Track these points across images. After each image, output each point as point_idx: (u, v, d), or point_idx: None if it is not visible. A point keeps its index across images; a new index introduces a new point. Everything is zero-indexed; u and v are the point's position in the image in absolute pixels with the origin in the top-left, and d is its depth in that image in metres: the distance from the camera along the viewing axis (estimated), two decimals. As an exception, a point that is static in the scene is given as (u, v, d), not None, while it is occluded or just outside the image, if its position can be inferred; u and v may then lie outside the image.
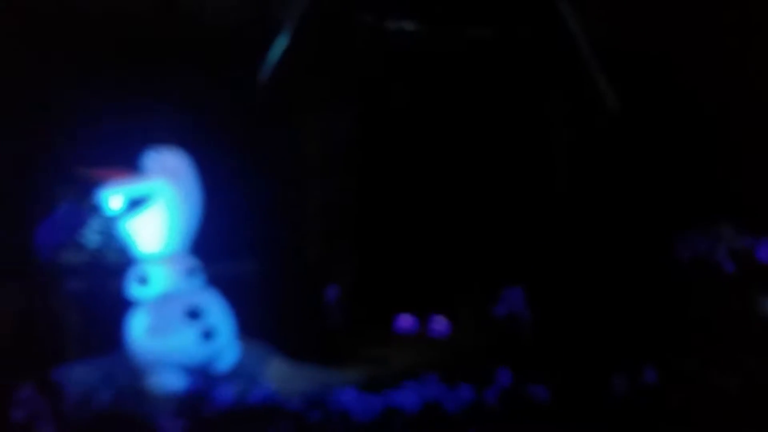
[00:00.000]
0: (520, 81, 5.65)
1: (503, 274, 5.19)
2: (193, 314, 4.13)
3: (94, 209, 4.83)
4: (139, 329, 4.14)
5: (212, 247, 4.45)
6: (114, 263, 4.93)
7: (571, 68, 5.53)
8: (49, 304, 4.91)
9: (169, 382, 4.06)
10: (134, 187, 4.22)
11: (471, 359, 4.40)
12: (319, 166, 5.57)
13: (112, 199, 4.26)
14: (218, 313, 4.24)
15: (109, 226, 4.96)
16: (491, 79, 5.70)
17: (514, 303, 4.97)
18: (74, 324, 4.83)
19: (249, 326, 4.50)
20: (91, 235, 5.00)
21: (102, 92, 5.12)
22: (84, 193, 4.99)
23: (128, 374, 4.15)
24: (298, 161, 5.55)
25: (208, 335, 4.12)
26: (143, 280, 4.21)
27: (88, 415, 3.60)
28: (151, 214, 4.21)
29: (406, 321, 5.17)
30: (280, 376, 4.27)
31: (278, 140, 5.56)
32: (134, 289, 4.24)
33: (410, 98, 5.80)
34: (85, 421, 3.57)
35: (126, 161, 4.60)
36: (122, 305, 4.54)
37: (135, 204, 4.22)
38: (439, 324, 5.09)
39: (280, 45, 5.70)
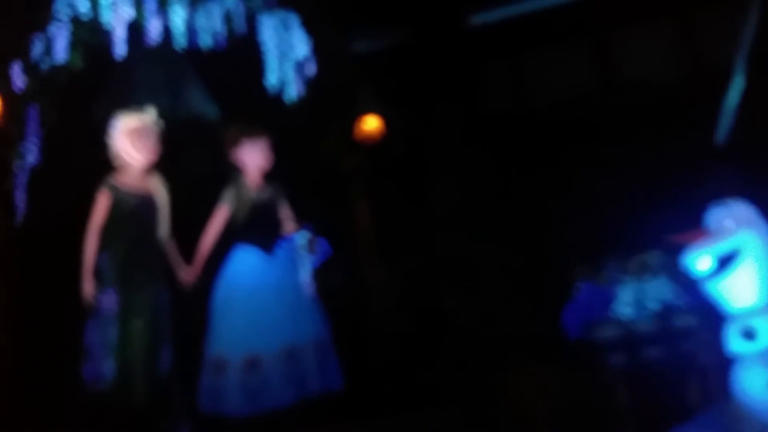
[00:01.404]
0: None
1: None
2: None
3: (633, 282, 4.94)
4: (757, 384, 4.04)
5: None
6: (649, 332, 4.99)
7: None
8: (595, 381, 5.01)
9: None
10: (720, 244, 4.19)
11: None
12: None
13: (701, 260, 4.24)
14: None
15: (641, 296, 5.06)
16: None
17: None
18: (630, 397, 4.87)
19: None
20: (622, 308, 5.07)
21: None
22: (606, 269, 5.15)
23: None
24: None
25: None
26: (750, 335, 4.12)
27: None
28: (742, 267, 4.15)
29: None
30: None
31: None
32: (739, 345, 4.16)
33: None
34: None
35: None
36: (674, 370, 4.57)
37: (724, 261, 4.18)
38: None
39: (736, 89, 5.60)
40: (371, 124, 5.69)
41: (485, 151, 5.75)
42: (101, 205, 4.92)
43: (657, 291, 5.00)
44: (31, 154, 4.84)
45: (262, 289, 4.97)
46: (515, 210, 5.62)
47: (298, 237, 5.10)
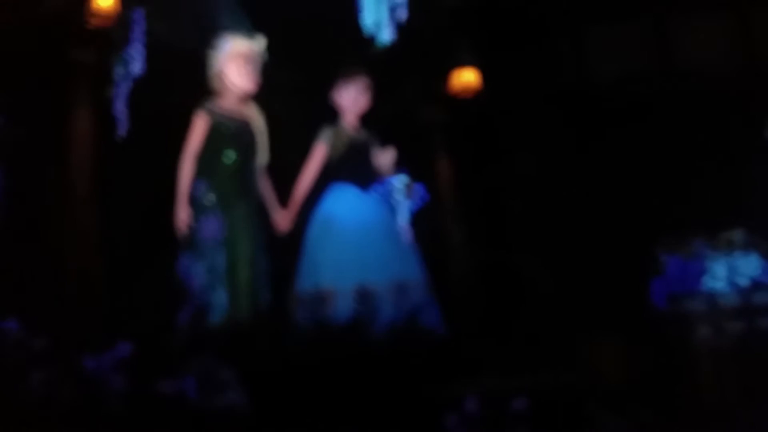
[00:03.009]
0: None
1: None
2: None
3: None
4: None
5: None
6: (735, 306, 5.07)
7: None
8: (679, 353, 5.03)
9: None
10: None
11: None
12: None
13: None
14: None
15: (732, 271, 5.12)
16: None
17: None
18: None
19: None
20: (714, 282, 5.12)
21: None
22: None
23: None
24: None
25: None
26: None
27: None
28: None
29: None
30: None
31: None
32: None
33: None
34: None
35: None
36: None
37: None
38: None
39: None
40: (467, 77, 5.51)
41: (565, 118, 5.69)
42: (199, 129, 4.54)
43: (746, 267, 5.09)
44: (136, 62, 4.38)
45: (364, 225, 4.73)
46: (598, 181, 5.58)
47: (395, 180, 4.89)
